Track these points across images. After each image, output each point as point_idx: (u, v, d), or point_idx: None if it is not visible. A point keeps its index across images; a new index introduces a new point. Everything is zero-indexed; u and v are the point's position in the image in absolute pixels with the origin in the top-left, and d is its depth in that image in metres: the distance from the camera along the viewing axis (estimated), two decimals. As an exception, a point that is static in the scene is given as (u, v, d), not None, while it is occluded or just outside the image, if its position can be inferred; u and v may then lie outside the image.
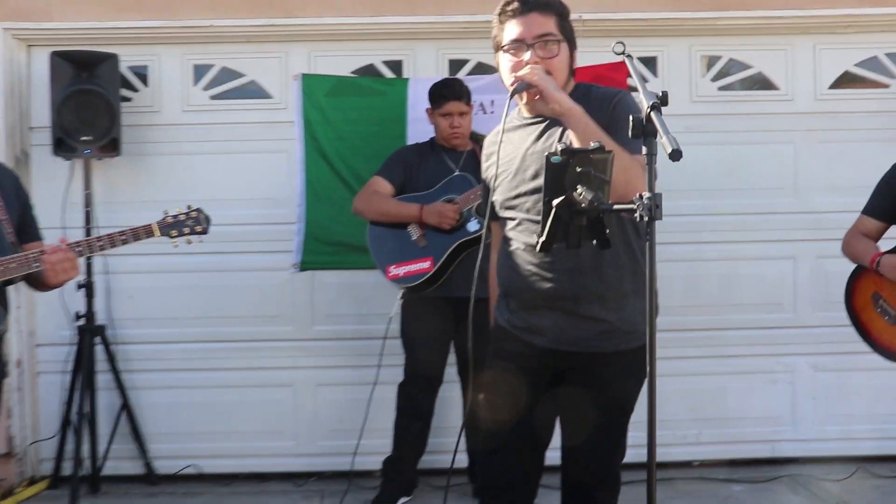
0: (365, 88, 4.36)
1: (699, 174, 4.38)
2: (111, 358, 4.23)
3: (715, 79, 4.51)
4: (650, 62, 4.48)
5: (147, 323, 4.43)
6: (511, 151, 2.32)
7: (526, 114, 2.32)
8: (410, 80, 4.31)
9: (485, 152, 2.49)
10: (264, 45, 4.46)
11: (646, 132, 1.73)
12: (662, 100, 1.75)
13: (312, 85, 4.24)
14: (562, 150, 1.72)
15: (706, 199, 4.39)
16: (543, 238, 1.79)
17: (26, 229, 2.73)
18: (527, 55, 2.18)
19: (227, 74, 4.51)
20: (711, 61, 4.51)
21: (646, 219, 1.66)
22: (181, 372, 4.45)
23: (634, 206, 1.67)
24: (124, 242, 2.80)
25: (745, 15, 4.35)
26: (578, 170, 1.72)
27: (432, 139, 3.97)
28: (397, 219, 3.79)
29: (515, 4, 2.22)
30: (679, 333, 4.30)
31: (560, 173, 1.73)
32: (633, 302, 2.22)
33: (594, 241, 1.80)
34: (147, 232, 2.85)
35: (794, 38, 4.44)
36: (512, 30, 2.23)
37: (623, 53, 2.01)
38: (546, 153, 1.75)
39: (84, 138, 4.13)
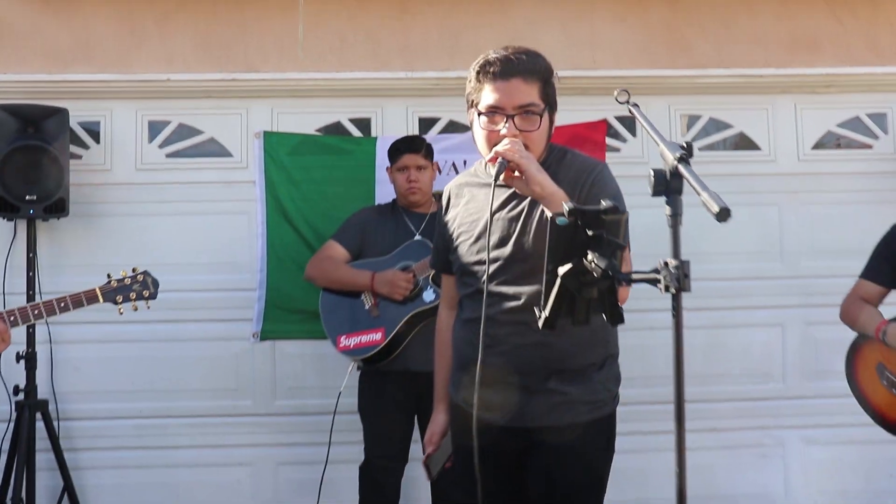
0: (330, 147, 4.16)
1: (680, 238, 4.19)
2: (53, 435, 3.88)
3: (696, 138, 4.35)
4: (629, 121, 4.32)
5: (94, 397, 4.11)
6: (475, 211, 2.17)
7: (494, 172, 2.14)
8: (379, 139, 4.13)
9: (444, 197, 2.33)
10: (224, 100, 4.23)
11: (670, 188, 1.49)
12: (688, 150, 1.52)
13: (275, 143, 4.06)
14: (569, 211, 1.50)
15: (697, 263, 4.19)
16: (547, 313, 1.57)
17: None
18: (505, 127, 2.03)
19: (185, 131, 4.27)
20: (691, 120, 4.36)
21: (672, 290, 1.44)
22: (130, 450, 4.11)
23: (659, 276, 1.44)
24: (64, 310, 2.68)
25: (725, 73, 4.21)
26: (589, 233, 1.50)
27: (394, 200, 3.75)
28: (349, 287, 3.55)
29: (497, 67, 2.04)
30: (663, 406, 3.99)
31: (567, 237, 1.52)
32: (599, 374, 2.13)
33: (606, 317, 1.57)
34: (90, 298, 2.70)
35: (774, 98, 4.32)
36: (490, 95, 2.05)
37: (627, 102, 1.82)
38: (550, 215, 1.55)
39: (28, 197, 3.85)
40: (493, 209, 2.05)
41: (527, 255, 2.05)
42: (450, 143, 4.06)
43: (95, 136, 4.23)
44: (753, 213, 4.27)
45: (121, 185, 4.19)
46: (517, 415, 2.10)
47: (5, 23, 4.09)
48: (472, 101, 2.12)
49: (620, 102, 1.80)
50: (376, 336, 3.45)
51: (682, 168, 1.47)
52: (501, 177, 1.97)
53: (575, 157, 2.17)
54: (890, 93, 4.30)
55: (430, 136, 4.07)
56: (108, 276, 2.78)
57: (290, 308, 4.01)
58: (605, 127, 4.19)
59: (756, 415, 4.22)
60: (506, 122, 2.03)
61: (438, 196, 3.72)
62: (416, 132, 4.20)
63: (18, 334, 3.82)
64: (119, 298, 2.76)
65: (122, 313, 2.77)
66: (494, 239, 2.09)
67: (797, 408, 4.24)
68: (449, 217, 2.29)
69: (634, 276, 1.52)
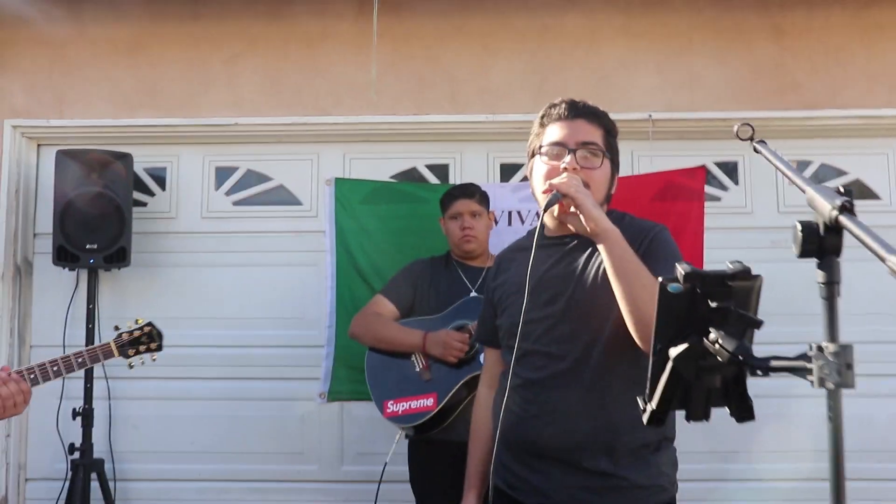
0: (406, 194, 3.86)
1: (786, 298, 3.79)
2: (108, 496, 3.67)
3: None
4: (730, 167, 3.95)
5: (152, 457, 3.91)
6: (524, 272, 1.98)
7: (550, 232, 2.04)
8: (456, 186, 3.82)
9: (493, 271, 2.23)
10: (293, 145, 4.03)
11: (824, 248, 1.10)
12: (850, 198, 1.11)
13: (346, 190, 3.78)
14: (686, 275, 1.15)
15: (799, 325, 3.77)
16: (654, 406, 1.21)
17: None
18: (566, 160, 1.92)
19: (252, 178, 4.08)
20: (800, 167, 3.96)
21: (830, 386, 1.04)
22: (189, 515, 3.88)
23: (810, 365, 1.05)
24: (82, 366, 2.51)
25: (839, 114, 3.82)
26: (712, 305, 1.16)
27: (448, 252, 3.42)
28: (398, 347, 3.20)
29: (563, 108, 1.98)
30: (723, 484, 3.66)
31: (680, 309, 1.16)
32: (655, 457, 1.92)
33: (731, 411, 1.20)
34: (105, 353, 2.61)
35: (894, 141, 3.89)
36: (554, 132, 1.97)
37: (752, 140, 1.52)
38: (660, 279, 1.18)
39: (89, 246, 3.68)
40: (547, 266, 1.98)
41: (580, 313, 1.91)
42: (528, 191, 3.74)
43: (161, 182, 4.06)
44: (872, 270, 3.83)
45: (185, 234, 4.02)
46: (566, 498, 1.90)
47: (74, 66, 3.97)
48: (534, 148, 2.02)
49: (742, 139, 1.52)
50: (428, 402, 3.12)
51: (845, 220, 1.08)
52: (555, 210, 1.85)
53: (633, 221, 2.02)
54: None
55: (513, 184, 3.78)
56: (116, 328, 2.65)
57: (360, 367, 3.64)
58: (703, 174, 3.82)
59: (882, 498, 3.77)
60: (567, 156, 1.92)
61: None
62: (498, 179, 3.92)
63: (75, 389, 3.67)
64: (131, 351, 2.64)
65: (132, 367, 2.65)
66: (546, 296, 1.96)
67: (925, 490, 3.78)
68: (497, 283, 2.16)
69: (775, 364, 1.12)
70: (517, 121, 3.86)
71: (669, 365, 1.18)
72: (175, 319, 3.81)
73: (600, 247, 1.82)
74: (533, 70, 3.88)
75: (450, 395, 3.06)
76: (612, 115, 2.01)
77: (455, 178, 3.98)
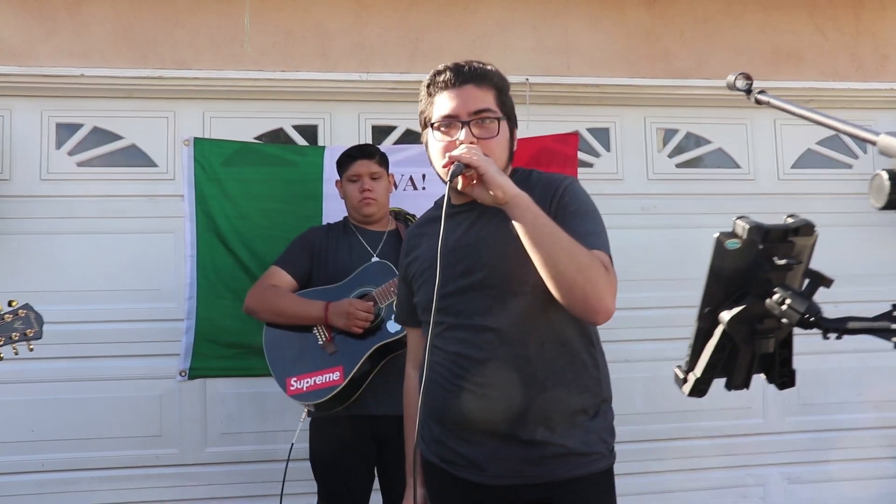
0: (272, 157, 3.60)
1: (657, 262, 3.88)
2: (-65, 496, 3.26)
3: (672, 154, 4.04)
4: (602, 133, 3.97)
5: (-14, 448, 3.49)
6: (436, 245, 1.87)
7: (455, 201, 1.97)
8: (327, 149, 3.61)
9: (404, 247, 2.15)
10: (148, 101, 3.68)
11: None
12: None
13: (206, 151, 3.49)
14: (749, 228, 1.03)
15: (665, 290, 3.87)
16: (699, 373, 1.10)
17: None
18: (461, 134, 1.85)
19: (100, 136, 3.69)
20: (668, 134, 4.04)
21: None
22: (31, 511, 3.50)
23: (893, 326, 0.99)
24: None
25: (705, 84, 3.91)
26: (780, 262, 1.04)
27: (346, 218, 3.24)
28: (298, 320, 3.00)
29: (447, 75, 1.89)
30: (640, 444, 3.76)
31: (735, 268, 1.05)
32: (593, 423, 1.88)
33: (773, 378, 1.12)
34: None
35: (753, 112, 4.03)
36: (443, 104, 1.89)
37: (748, 92, 1.41)
38: (715, 234, 1.06)
39: None
40: (458, 235, 1.91)
41: (497, 280, 1.84)
42: (407, 154, 3.58)
43: (-10, 139, 3.61)
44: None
45: (21, 198, 3.60)
46: (504, 471, 1.85)
47: None
48: (426, 119, 1.95)
49: (739, 90, 1.42)
50: (334, 376, 2.94)
51: None
52: (459, 184, 1.78)
53: (541, 176, 1.97)
54: (872, 109, 4.08)
55: (385, 147, 3.61)
56: None
57: (224, 342, 3.45)
58: (576, 140, 3.81)
59: (737, 452, 3.94)
60: (461, 130, 1.86)
61: (396, 214, 3.28)
62: (370, 141, 3.74)
63: None
64: (0, 340, 2.30)
65: (1, 358, 2.32)
66: (461, 267, 1.89)
67: (778, 444, 3.98)
68: (409, 259, 2.10)
69: (853, 325, 1.04)
70: (391, 80, 3.71)
71: (720, 329, 1.07)
72: (9, 294, 3.40)
73: (510, 213, 1.74)
74: (408, 28, 3.73)
75: (357, 366, 2.90)
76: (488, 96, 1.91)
77: (324, 140, 3.78)
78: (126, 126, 3.70)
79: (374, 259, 3.09)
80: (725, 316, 1.06)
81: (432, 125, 1.91)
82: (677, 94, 3.92)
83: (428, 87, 1.93)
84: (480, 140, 1.84)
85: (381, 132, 3.86)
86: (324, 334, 2.99)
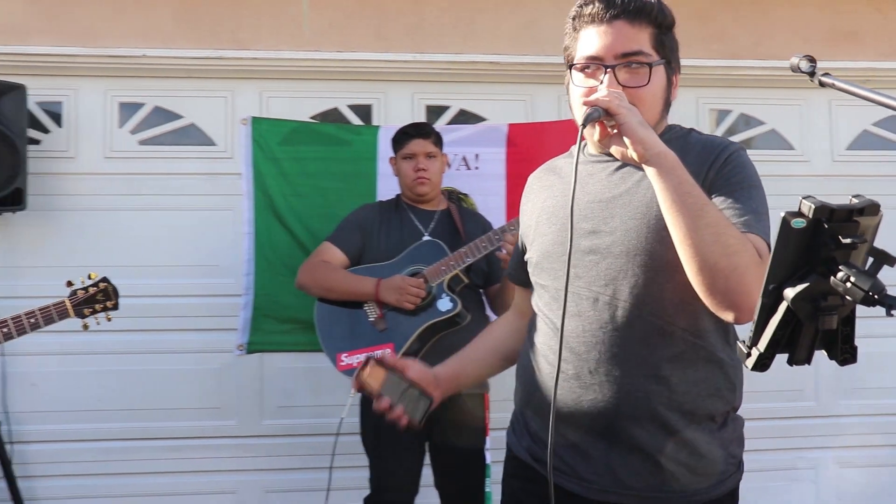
0: (327, 136, 3.67)
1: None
2: (5, 461, 3.38)
3: (724, 135, 4.02)
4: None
5: (53, 417, 3.64)
6: (561, 194, 1.69)
7: (592, 150, 1.70)
8: (381, 128, 3.66)
9: (526, 190, 1.87)
10: (207, 81, 3.78)
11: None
12: None
13: (264, 130, 3.56)
14: (815, 208, 1.04)
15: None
16: (762, 348, 1.11)
17: None
18: (604, 80, 1.57)
19: (161, 115, 3.80)
20: (721, 115, 4.03)
21: None
22: (96, 478, 3.65)
23: None
24: (35, 327, 2.40)
25: (760, 65, 3.89)
26: (845, 241, 1.06)
27: (398, 196, 3.30)
28: (349, 296, 3.07)
29: (596, 7, 1.60)
30: None
31: (801, 246, 1.08)
32: (721, 433, 1.60)
33: (835, 355, 1.13)
34: (60, 312, 2.47)
35: (809, 93, 4.00)
36: (588, 42, 1.61)
37: (812, 74, 1.42)
38: (781, 213, 1.06)
39: (-21, 188, 3.35)
40: (589, 189, 1.63)
41: (626, 248, 1.57)
42: (460, 134, 3.63)
43: (57, 118, 3.74)
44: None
45: (86, 176, 3.72)
46: (608, 482, 1.59)
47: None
48: (569, 57, 1.67)
49: (803, 72, 1.42)
50: (384, 353, 3.02)
51: None
52: (595, 133, 1.55)
53: (700, 137, 1.69)
54: (931, 90, 4.02)
55: (439, 126, 3.66)
56: (69, 283, 2.40)
57: (281, 317, 3.54)
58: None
59: (787, 435, 3.94)
60: (605, 75, 1.58)
61: (449, 193, 3.33)
62: (423, 121, 3.78)
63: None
64: (87, 311, 2.41)
65: (87, 328, 2.41)
66: (587, 226, 1.61)
67: (831, 427, 3.97)
68: (525, 209, 1.83)
69: None
70: (445, 61, 3.76)
71: (783, 306, 1.08)
72: (75, 268, 3.50)
73: (651, 174, 1.47)
74: (463, 9, 3.76)
75: (408, 344, 2.96)
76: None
77: (378, 120, 3.85)
78: (186, 105, 3.80)
79: (426, 237, 3.14)
80: (790, 293, 1.08)
81: (574, 65, 1.65)
82: (732, 74, 3.91)
83: (573, 19, 1.66)
84: (626, 89, 1.57)
85: (434, 112, 3.91)
86: (375, 311, 3.06)
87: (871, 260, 1.09)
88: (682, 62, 3.50)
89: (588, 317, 1.58)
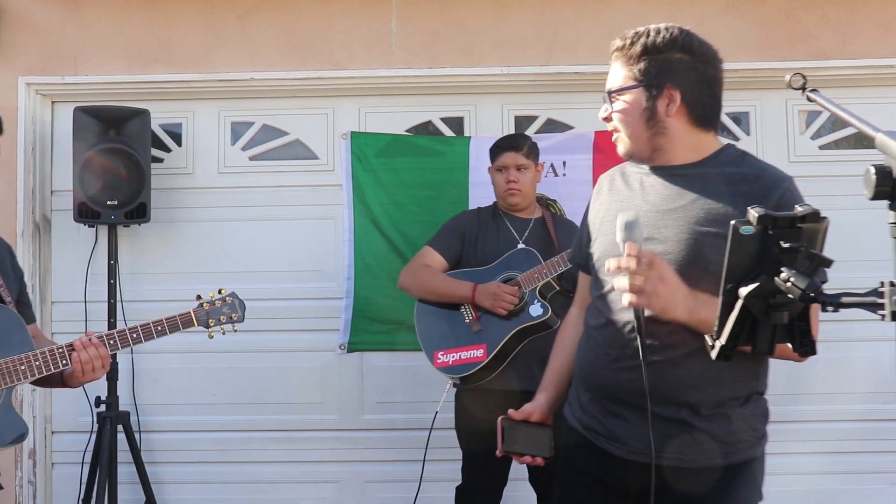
0: (421, 148, 3.91)
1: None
2: (134, 448, 3.73)
3: (815, 137, 4.01)
4: (741, 117, 4.00)
5: (175, 409, 3.99)
6: (625, 198, 1.90)
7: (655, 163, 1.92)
8: (472, 139, 3.87)
9: (596, 189, 2.05)
10: (309, 100, 4.05)
11: None
12: None
13: (362, 144, 3.83)
14: (759, 217, 1.22)
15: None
16: (724, 341, 1.29)
17: (22, 310, 2.43)
18: (602, 109, 1.90)
19: (269, 133, 4.10)
20: (811, 117, 4.02)
21: None
22: (213, 465, 3.98)
23: (881, 300, 1.11)
24: (161, 335, 2.52)
25: (850, 64, 3.86)
26: (784, 245, 1.23)
27: (495, 203, 3.45)
28: (447, 298, 3.26)
29: (618, 41, 1.88)
30: (781, 425, 3.73)
31: (751, 250, 1.26)
32: (742, 410, 1.81)
33: (794, 346, 1.28)
34: (185, 322, 2.58)
35: (898, 91, 3.95)
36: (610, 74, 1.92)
37: (804, 89, 1.54)
38: (732, 223, 1.26)
39: (110, 203, 3.70)
40: (650, 198, 1.84)
41: (676, 258, 1.74)
42: (548, 143, 3.76)
43: (177, 138, 4.09)
44: (875, 217, 3.90)
45: (203, 190, 4.05)
46: (644, 448, 1.76)
47: (87, 22, 3.97)
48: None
49: (794, 88, 1.53)
50: (478, 353, 3.19)
51: None
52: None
53: (756, 165, 1.84)
54: None
55: (529, 135, 3.81)
56: (198, 297, 2.64)
57: (379, 318, 3.78)
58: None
59: (883, 437, 3.87)
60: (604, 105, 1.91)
61: (538, 199, 3.48)
62: (512, 131, 3.94)
63: (100, 344, 3.72)
64: (211, 322, 2.63)
65: (212, 337, 2.65)
66: (647, 232, 1.76)
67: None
68: (594, 206, 2.02)
69: (846, 300, 1.18)
70: (531, 73, 3.90)
71: (739, 303, 1.25)
72: (194, 274, 3.87)
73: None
74: (546, 23, 3.90)
75: (499, 346, 3.12)
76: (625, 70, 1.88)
77: (470, 131, 4.02)
78: (291, 123, 4.08)
79: (521, 245, 3.29)
80: (743, 291, 1.25)
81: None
82: (819, 75, 3.87)
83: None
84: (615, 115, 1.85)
85: (523, 122, 4.05)
86: (470, 313, 3.24)
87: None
88: (768, 65, 3.50)
89: (630, 313, 1.74)
